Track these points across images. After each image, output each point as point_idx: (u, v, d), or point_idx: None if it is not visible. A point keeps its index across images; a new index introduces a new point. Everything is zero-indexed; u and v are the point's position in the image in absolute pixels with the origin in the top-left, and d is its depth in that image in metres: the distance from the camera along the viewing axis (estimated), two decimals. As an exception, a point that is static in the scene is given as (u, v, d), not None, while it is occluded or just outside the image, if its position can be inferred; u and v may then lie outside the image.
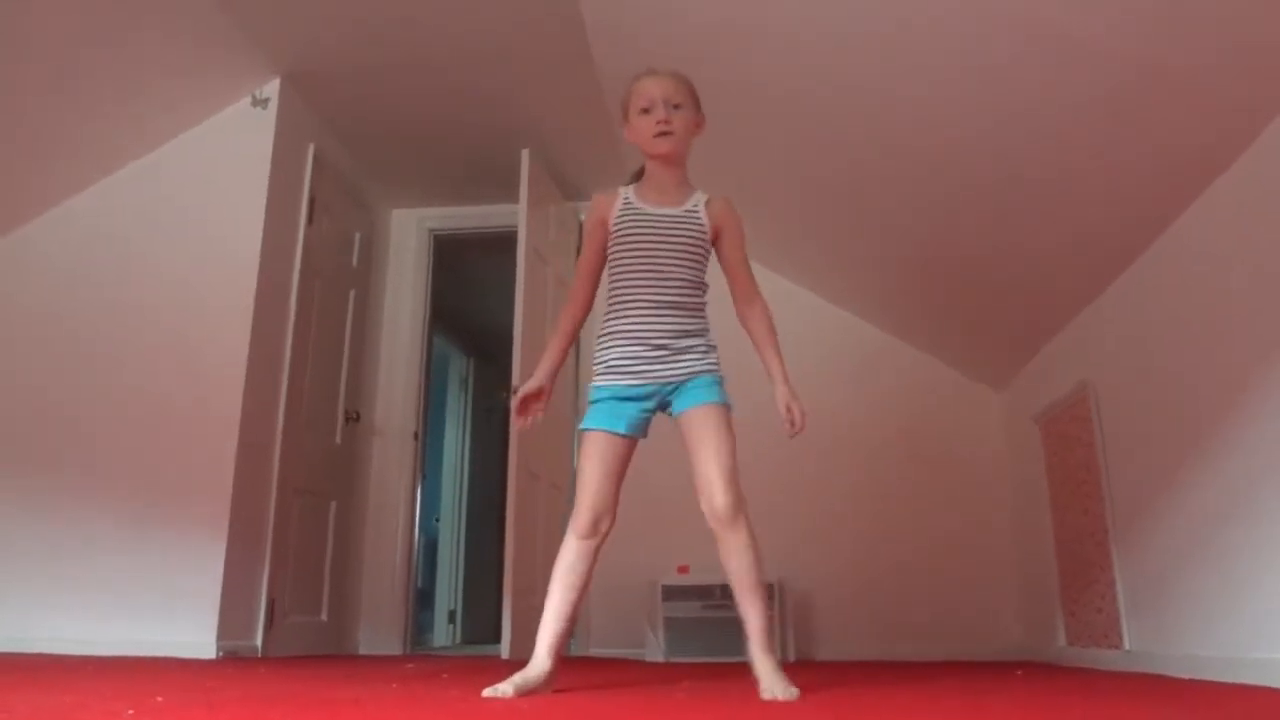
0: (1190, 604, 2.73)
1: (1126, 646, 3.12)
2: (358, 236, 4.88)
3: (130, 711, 1.48)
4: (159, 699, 1.74)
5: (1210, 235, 2.60)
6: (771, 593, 4.05)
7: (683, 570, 4.26)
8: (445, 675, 2.68)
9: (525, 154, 4.41)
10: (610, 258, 2.25)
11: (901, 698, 2.09)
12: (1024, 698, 2.12)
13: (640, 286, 2.17)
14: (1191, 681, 2.51)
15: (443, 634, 6.46)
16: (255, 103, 4.08)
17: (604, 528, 2.13)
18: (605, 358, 2.20)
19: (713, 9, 3.16)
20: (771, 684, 1.94)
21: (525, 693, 1.93)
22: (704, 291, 2.21)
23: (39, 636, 3.52)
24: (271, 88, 4.11)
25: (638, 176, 2.32)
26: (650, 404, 2.15)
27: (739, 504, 2.04)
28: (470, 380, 7.08)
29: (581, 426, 2.20)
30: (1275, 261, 2.29)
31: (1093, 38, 2.35)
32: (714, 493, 2.03)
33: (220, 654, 3.48)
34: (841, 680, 2.66)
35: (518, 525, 3.97)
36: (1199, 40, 2.19)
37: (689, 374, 2.12)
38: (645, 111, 2.21)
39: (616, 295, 2.21)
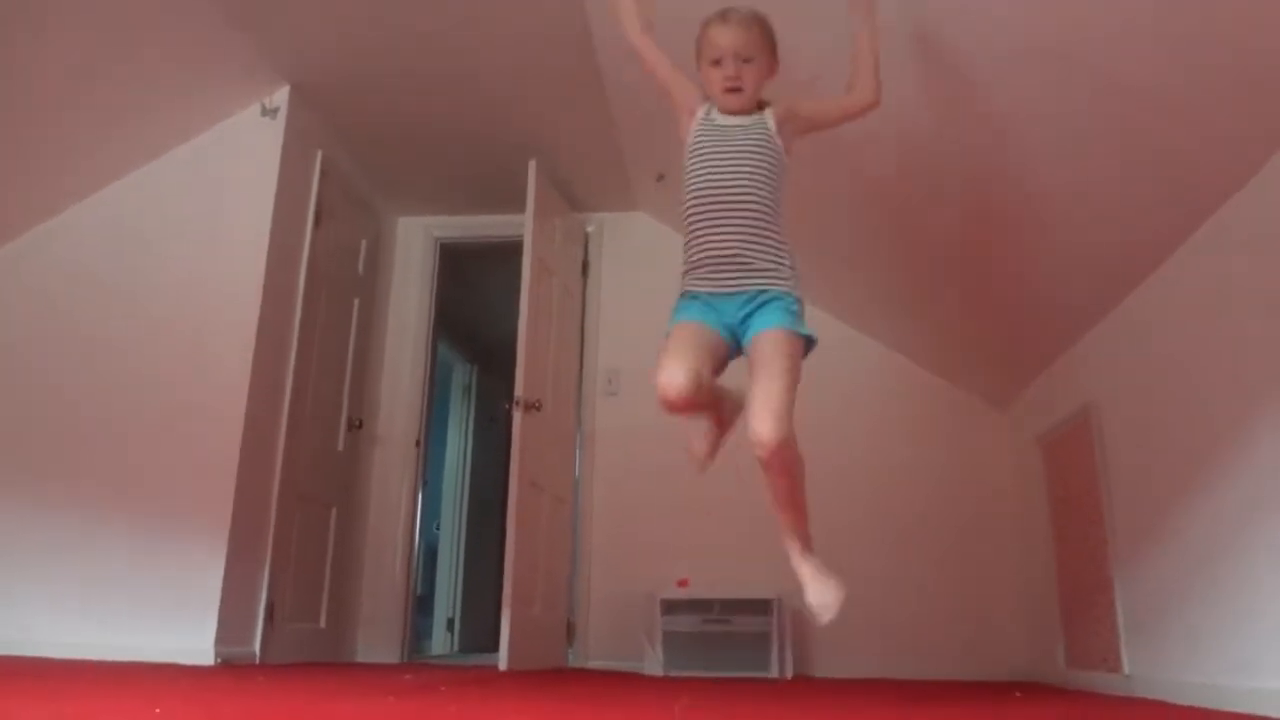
0: (1190, 630, 2.72)
1: (1126, 670, 3.11)
2: (364, 244, 4.89)
3: (129, 725, 1.48)
4: (157, 710, 1.74)
5: (1216, 261, 2.60)
6: (770, 608, 4.05)
7: (682, 584, 4.26)
8: (444, 688, 2.68)
9: (532, 165, 4.42)
10: (686, 165, 2.22)
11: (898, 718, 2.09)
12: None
13: (710, 187, 2.14)
14: (1190, 708, 2.50)
15: (441, 642, 6.46)
16: (264, 112, 4.10)
17: (690, 390, 1.95)
18: (689, 262, 2.16)
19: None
20: (818, 591, 1.98)
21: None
22: (777, 201, 2.18)
23: (40, 640, 3.53)
24: (280, 96, 4.13)
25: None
26: (736, 317, 2.08)
27: (781, 440, 1.92)
28: (473, 388, 7.09)
29: (667, 333, 2.12)
30: (1277, 289, 2.29)
31: (1101, 62, 2.35)
32: (753, 424, 1.94)
33: (218, 660, 3.48)
34: (837, 699, 2.66)
35: (518, 536, 3.97)
36: (1209, 67, 2.19)
37: (763, 287, 2.08)
38: (716, 64, 2.19)
39: (688, 208, 2.18)
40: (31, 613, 3.61)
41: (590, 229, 5.19)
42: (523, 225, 4.38)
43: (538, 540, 4.23)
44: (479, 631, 6.48)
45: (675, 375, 1.93)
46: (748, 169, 2.15)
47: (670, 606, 4.17)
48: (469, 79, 4.09)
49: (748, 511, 2.04)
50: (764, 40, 2.21)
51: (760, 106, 2.26)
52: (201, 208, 4.06)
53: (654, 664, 4.11)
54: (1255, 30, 2.03)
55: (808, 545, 2.04)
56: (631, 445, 4.74)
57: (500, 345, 5.52)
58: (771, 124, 2.21)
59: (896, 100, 2.97)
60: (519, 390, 4.13)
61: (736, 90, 2.17)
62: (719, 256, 2.09)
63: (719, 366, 2.06)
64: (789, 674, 4.04)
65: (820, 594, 1.93)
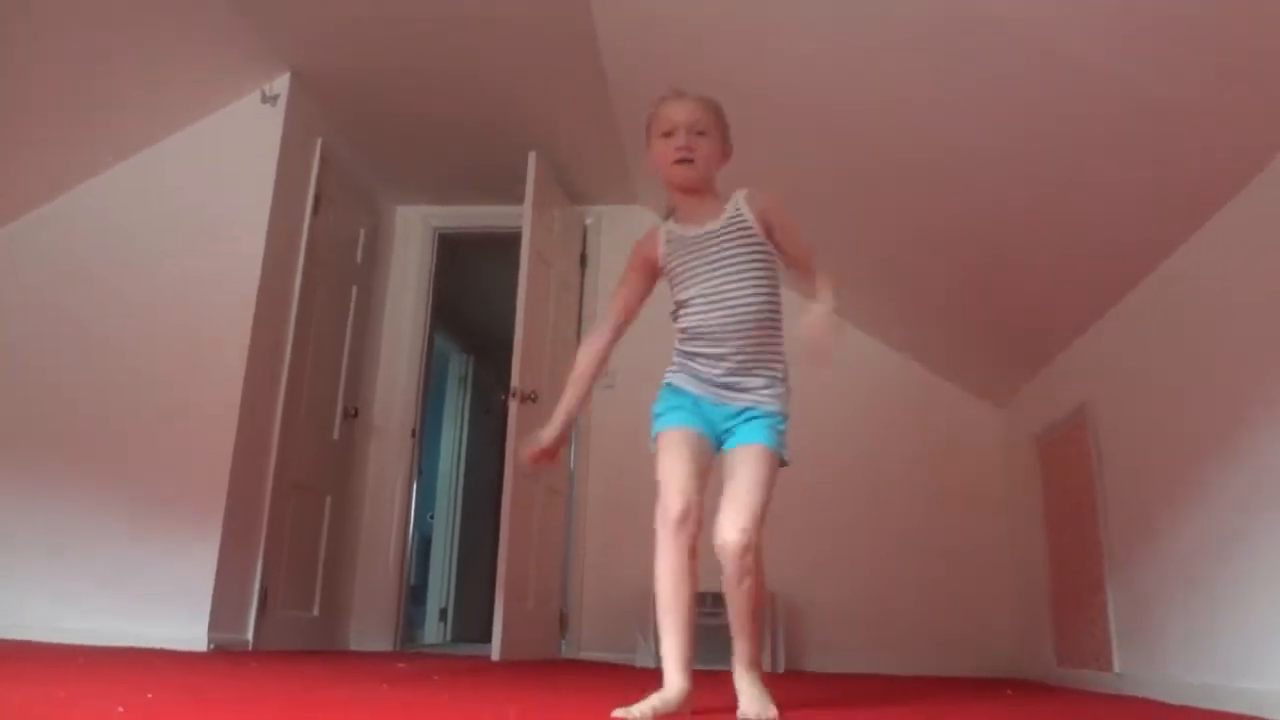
0: (1181, 629, 2.73)
1: (1116, 669, 3.12)
2: (362, 232, 4.89)
3: (120, 709, 1.49)
4: (149, 695, 1.74)
5: (1213, 263, 2.60)
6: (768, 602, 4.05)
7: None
8: (436, 677, 2.68)
9: (532, 156, 4.41)
10: (674, 294, 2.07)
11: (889, 716, 2.09)
12: (1013, 717, 2.13)
13: (704, 314, 1.99)
14: (1179, 708, 2.51)
15: (433, 631, 6.46)
16: (265, 99, 4.09)
17: (693, 523, 1.89)
18: (683, 354, 2.05)
19: (720, 15, 3.16)
20: (749, 704, 1.87)
21: (664, 716, 1.77)
22: (777, 307, 2.03)
23: (32, 624, 3.52)
24: (281, 83, 4.12)
25: (670, 214, 2.16)
26: (719, 421, 2.00)
27: (746, 546, 1.87)
28: (469, 379, 7.08)
29: (653, 432, 2.04)
30: (1275, 292, 2.30)
31: (1099, 65, 2.35)
32: (721, 529, 1.88)
33: (211, 646, 3.48)
34: (829, 694, 2.66)
35: (513, 529, 3.97)
36: (1208, 72, 2.19)
37: (752, 404, 1.97)
38: (667, 136, 2.03)
39: (682, 330, 2.04)
40: (25, 598, 3.61)
41: (589, 221, 5.18)
42: (521, 216, 4.38)
43: (532, 532, 4.24)
44: (472, 622, 6.49)
45: (676, 507, 1.90)
46: (742, 282, 1.98)
47: (663, 599, 4.16)
48: (470, 69, 4.08)
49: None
50: (718, 120, 2.08)
51: (722, 200, 2.08)
52: (200, 194, 4.05)
53: (646, 656, 4.12)
54: (1252, 32, 2.03)
55: (755, 662, 1.97)
56: (627, 438, 4.73)
57: (497, 336, 5.51)
58: (748, 212, 2.03)
59: (897, 97, 2.97)
60: (515, 381, 4.13)
61: (688, 161, 2.01)
62: (712, 379, 1.99)
63: (707, 473, 1.99)
64: (781, 668, 4.05)
65: (750, 711, 1.83)
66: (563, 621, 4.61)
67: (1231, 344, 2.51)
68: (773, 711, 1.84)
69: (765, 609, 2.03)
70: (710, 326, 1.98)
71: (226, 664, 2.87)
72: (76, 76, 3.71)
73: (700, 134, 2.03)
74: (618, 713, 1.69)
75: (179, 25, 3.68)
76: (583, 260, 5.12)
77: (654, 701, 1.77)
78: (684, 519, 1.89)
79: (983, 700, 2.72)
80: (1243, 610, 2.42)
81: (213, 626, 3.52)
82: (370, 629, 4.73)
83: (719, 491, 1.95)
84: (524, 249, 4.32)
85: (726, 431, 1.99)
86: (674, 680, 1.84)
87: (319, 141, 4.35)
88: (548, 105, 4.35)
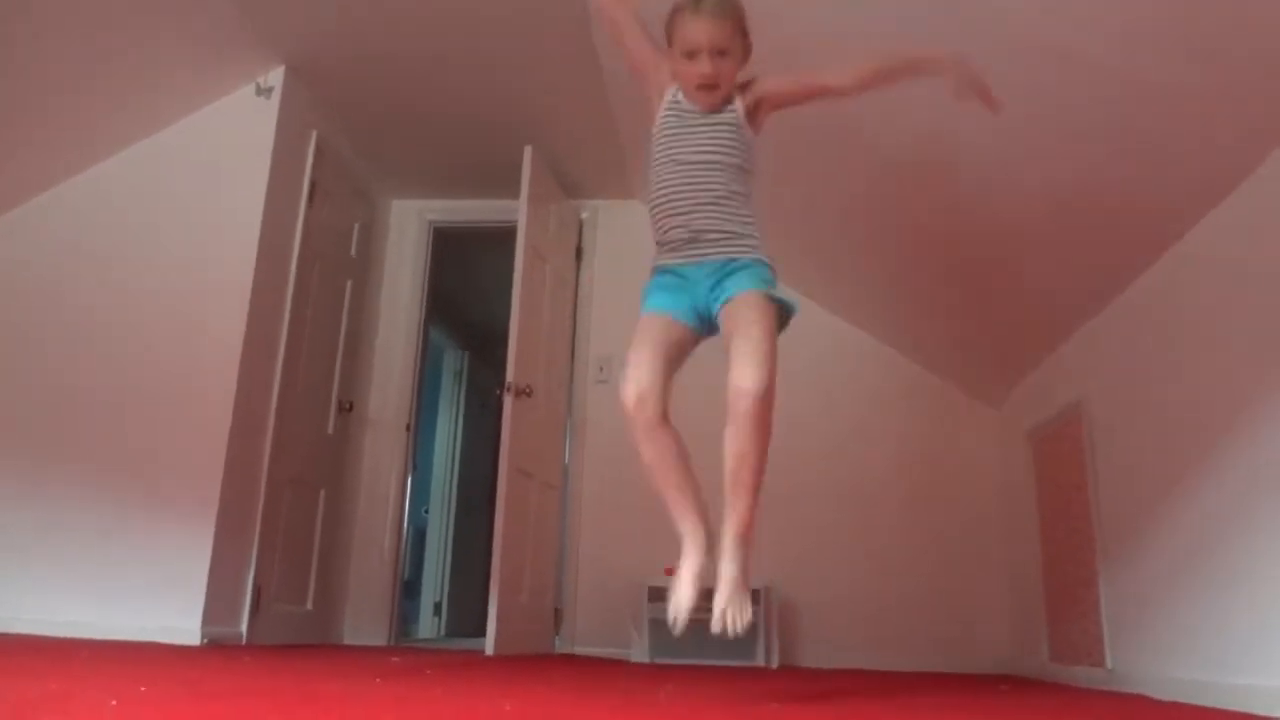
0: (1173, 626, 2.74)
1: (1109, 665, 3.13)
2: (357, 226, 4.88)
3: (114, 702, 1.48)
4: (142, 689, 1.74)
5: (1209, 261, 2.61)
6: (757, 598, 4.05)
7: (670, 572, 4.24)
8: (430, 672, 2.68)
9: (528, 150, 4.40)
10: (650, 149, 2.19)
11: (883, 711, 2.10)
12: (1006, 714, 2.13)
13: (669, 176, 2.11)
14: (1171, 704, 2.52)
15: (428, 625, 6.47)
16: (259, 91, 4.07)
17: (651, 407, 1.93)
18: (657, 241, 2.15)
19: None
20: (725, 601, 1.82)
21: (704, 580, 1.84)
22: (745, 190, 2.12)
23: (26, 618, 3.52)
24: (276, 76, 4.10)
25: None
26: (706, 287, 2.03)
27: (764, 388, 1.83)
28: (464, 374, 7.08)
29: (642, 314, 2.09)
30: (1270, 289, 2.30)
31: (1098, 58, 2.35)
32: (735, 374, 1.86)
33: (205, 640, 3.48)
34: (822, 690, 2.67)
35: (507, 523, 3.97)
36: (1206, 65, 2.19)
37: (731, 255, 2.02)
38: (689, 56, 2.09)
39: (654, 189, 2.16)
40: (18, 591, 3.60)
41: (585, 215, 5.18)
42: (517, 210, 4.37)
43: (526, 526, 4.24)
44: (466, 616, 6.50)
45: (630, 391, 1.95)
46: (712, 156, 2.10)
47: (657, 594, 4.17)
48: (466, 63, 4.07)
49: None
50: (737, 28, 2.12)
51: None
52: (195, 186, 4.04)
53: (640, 651, 4.12)
54: (1253, 40, 2.03)
55: (746, 537, 1.90)
56: (621, 433, 4.67)
57: (492, 331, 5.51)
58: (740, 113, 2.14)
59: (889, 93, 2.96)
60: (510, 376, 4.13)
61: (712, 88, 2.10)
62: (684, 239, 2.07)
63: (681, 358, 2.04)
64: (775, 663, 4.06)
65: (731, 612, 1.79)
66: (557, 616, 4.61)
67: (1225, 341, 2.51)
68: (748, 615, 1.81)
69: (763, 476, 1.92)
70: (673, 186, 2.09)
71: (220, 658, 2.87)
72: (73, 70, 3.69)
73: (722, 54, 2.08)
74: (672, 613, 1.81)
75: (175, 19, 3.66)
76: (578, 255, 5.12)
77: (687, 578, 1.84)
78: (640, 402, 1.94)
79: (975, 696, 2.72)
80: (1235, 606, 2.43)
81: (206, 620, 3.52)
82: (364, 623, 4.73)
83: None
84: (519, 243, 4.32)
85: (714, 293, 2.01)
86: (692, 538, 1.90)
87: (314, 134, 4.34)
88: (544, 99, 4.35)
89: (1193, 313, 2.69)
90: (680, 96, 2.17)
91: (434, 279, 5.29)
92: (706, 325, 2.06)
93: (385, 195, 5.25)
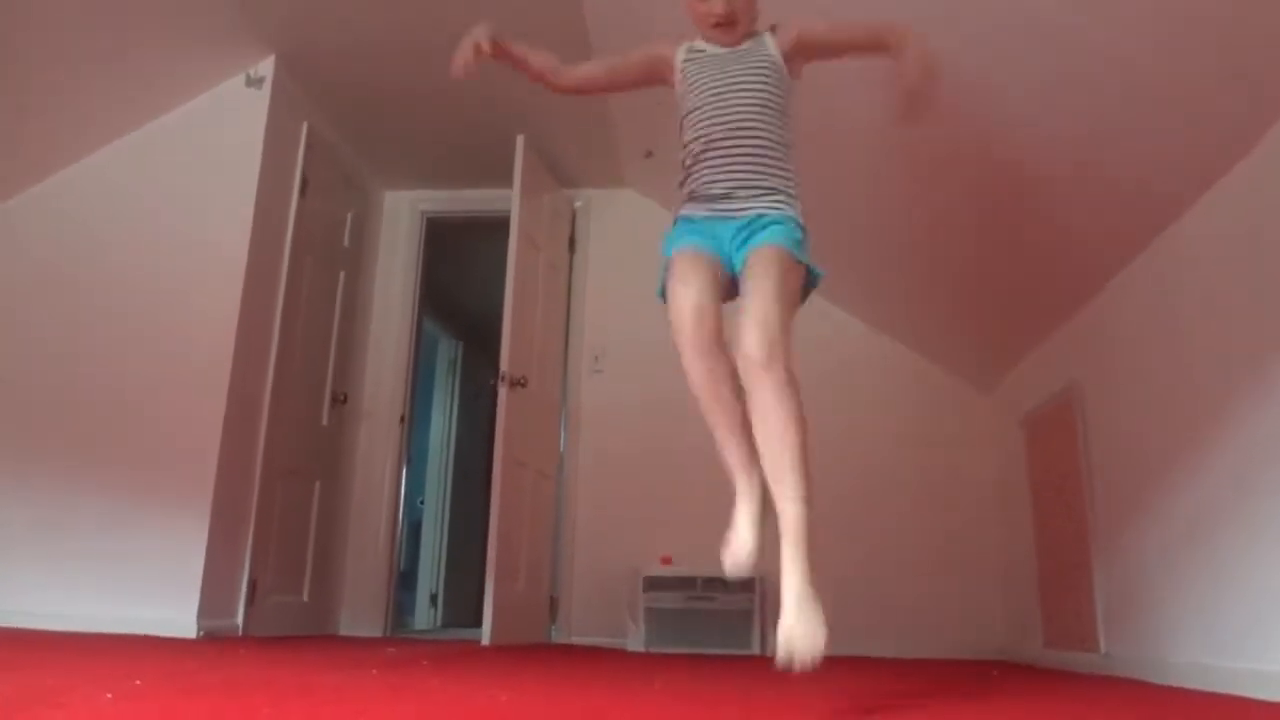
0: (1167, 610, 2.76)
1: (1103, 650, 3.15)
2: (350, 217, 4.86)
3: (109, 695, 1.48)
4: (137, 682, 1.74)
5: (1200, 245, 2.61)
6: (753, 586, 4.07)
7: (665, 561, 4.28)
8: (426, 662, 2.68)
9: (520, 140, 4.39)
10: (682, 106, 2.02)
11: (873, 697, 2.11)
12: (996, 699, 2.14)
13: (708, 123, 1.93)
14: (1166, 688, 2.53)
15: (424, 616, 6.47)
16: (250, 82, 4.05)
17: (710, 324, 1.72)
18: (687, 193, 1.96)
19: None
20: (795, 624, 1.55)
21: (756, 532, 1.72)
22: (786, 138, 1.95)
23: (21, 611, 3.51)
24: (266, 66, 4.08)
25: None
26: (733, 244, 1.84)
27: (770, 354, 1.64)
28: (459, 364, 7.07)
29: (661, 271, 1.88)
30: (1265, 272, 2.31)
31: (1089, 45, 2.35)
32: (740, 336, 1.67)
33: (201, 633, 3.48)
34: (816, 676, 2.67)
35: (502, 513, 3.97)
36: (1198, 52, 2.19)
37: (761, 211, 1.85)
38: None
39: (686, 144, 1.97)
40: (13, 584, 3.60)
41: (578, 205, 5.17)
42: (510, 200, 4.36)
43: (521, 516, 4.24)
44: (462, 607, 6.50)
45: (685, 313, 1.72)
46: (750, 99, 1.93)
47: (653, 583, 4.19)
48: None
49: (732, 488, 1.93)
50: None
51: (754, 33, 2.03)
52: (186, 177, 4.02)
53: (636, 640, 4.14)
54: (1243, 26, 2.03)
55: (803, 535, 1.66)
56: (616, 422, 4.75)
57: (486, 321, 5.50)
58: (773, 48, 1.99)
59: (886, 79, 2.96)
60: (504, 366, 4.13)
61: (730, 24, 1.96)
62: (718, 194, 1.89)
63: (726, 295, 1.82)
64: (769, 651, 4.07)
65: (800, 634, 1.53)
66: (553, 606, 4.62)
67: (1218, 325, 2.52)
68: (821, 640, 1.53)
69: (808, 449, 1.71)
70: (714, 135, 1.91)
71: (216, 650, 2.87)
72: (65, 62, 3.67)
73: None
74: (727, 561, 1.74)
75: (165, 10, 3.64)
76: (571, 244, 5.11)
77: (744, 524, 1.75)
78: (698, 317, 1.72)
79: (968, 681, 2.74)
80: (1229, 591, 2.44)
81: (202, 613, 3.52)
82: (360, 614, 4.74)
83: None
84: (512, 233, 4.31)
85: (739, 248, 1.83)
86: (745, 481, 1.78)
87: (305, 125, 4.32)
88: (536, 88, 4.31)
89: (1187, 296, 2.69)
90: (699, 44, 2.05)
91: (427, 269, 5.28)
92: (732, 285, 1.86)
93: (378, 186, 5.23)
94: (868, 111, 3.18)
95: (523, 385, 4.23)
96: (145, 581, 3.55)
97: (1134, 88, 2.40)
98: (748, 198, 1.87)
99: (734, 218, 1.86)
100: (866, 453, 4.55)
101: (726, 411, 1.75)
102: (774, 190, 1.88)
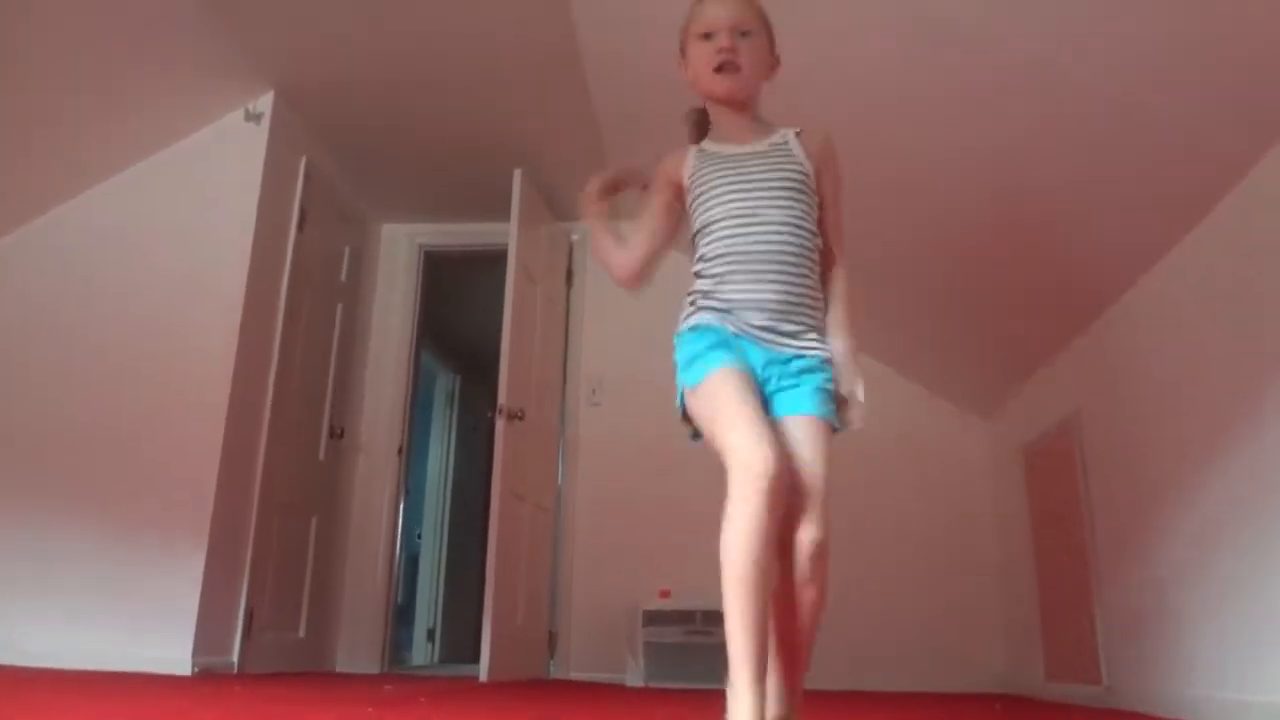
0: (1170, 642, 2.74)
1: (1105, 683, 3.12)
2: (347, 250, 4.87)
3: (102, 736, 1.47)
4: (132, 721, 1.72)
5: (1200, 271, 2.62)
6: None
7: (664, 594, 4.25)
8: (423, 699, 2.66)
9: (517, 174, 4.41)
10: (694, 219, 1.72)
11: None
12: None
13: (734, 236, 1.64)
14: (1168, 721, 2.51)
15: (421, 652, 6.42)
16: (249, 117, 4.08)
17: (784, 483, 1.46)
18: (714, 301, 1.65)
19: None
20: None
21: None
22: (815, 245, 1.69)
23: (16, 648, 3.47)
24: (265, 101, 4.11)
25: (697, 128, 1.81)
26: (762, 368, 1.60)
27: (827, 545, 1.56)
28: (457, 396, 7.06)
29: (690, 382, 1.60)
30: (1262, 300, 2.31)
31: (1083, 79, 2.37)
32: (800, 529, 1.54)
33: (196, 670, 3.44)
34: (816, 710, 2.65)
35: (500, 546, 3.95)
36: (1190, 85, 2.21)
37: (796, 351, 1.61)
38: (705, 38, 1.71)
39: (704, 261, 1.67)
40: (7, 621, 3.56)
41: (575, 238, 5.19)
42: (507, 233, 4.37)
43: (519, 550, 4.21)
44: (460, 642, 6.45)
45: (758, 457, 1.44)
46: (779, 200, 1.66)
47: (652, 617, 4.15)
48: (454, 87, 4.09)
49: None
50: (765, 23, 1.76)
51: (770, 125, 1.77)
52: (185, 211, 4.03)
53: (636, 675, 4.10)
54: (1237, 59, 2.05)
55: (795, 697, 1.66)
56: (614, 454, 4.74)
57: (484, 354, 5.50)
58: (796, 147, 1.72)
59: (879, 103, 2.98)
60: (502, 399, 4.12)
61: (731, 68, 1.68)
62: (749, 321, 1.61)
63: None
64: (770, 685, 4.03)
65: None
66: (551, 640, 4.58)
67: (1217, 353, 2.52)
68: None
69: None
70: (743, 252, 1.63)
71: (211, 687, 2.84)
72: (63, 97, 3.69)
73: (745, 35, 1.71)
74: None
75: (165, 45, 3.67)
76: (569, 277, 5.13)
77: None
78: (777, 474, 1.44)
79: (971, 715, 2.71)
80: (1232, 622, 2.42)
81: (197, 649, 3.48)
82: (357, 650, 4.69)
83: None
84: (510, 266, 4.32)
85: (767, 383, 1.60)
86: (744, 700, 1.46)
87: (303, 159, 4.34)
88: (533, 122, 4.36)
89: (1182, 327, 2.70)
90: (706, 147, 1.76)
91: (425, 302, 5.29)
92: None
93: (375, 219, 5.25)
94: (868, 141, 3.20)
95: (520, 418, 4.22)
96: (140, 618, 3.52)
97: (1126, 113, 2.42)
98: (790, 335, 1.63)
99: (768, 346, 1.62)
100: (864, 480, 4.52)
101: (759, 592, 1.49)
102: (810, 328, 1.65)
